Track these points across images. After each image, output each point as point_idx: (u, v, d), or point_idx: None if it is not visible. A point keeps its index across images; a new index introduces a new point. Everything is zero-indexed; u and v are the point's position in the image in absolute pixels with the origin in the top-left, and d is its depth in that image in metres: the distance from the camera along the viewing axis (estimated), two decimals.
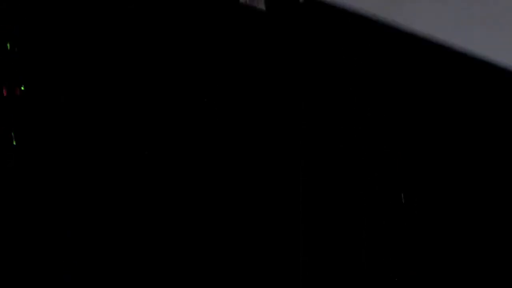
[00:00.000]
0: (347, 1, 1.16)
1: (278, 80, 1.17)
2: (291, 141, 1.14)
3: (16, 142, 1.05)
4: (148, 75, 1.13)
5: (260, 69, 1.17)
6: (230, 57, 1.16)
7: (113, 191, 1.07)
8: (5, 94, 1.07)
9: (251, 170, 1.13)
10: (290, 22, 1.16)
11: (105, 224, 1.06)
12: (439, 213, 1.16)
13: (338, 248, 1.12)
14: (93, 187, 1.06)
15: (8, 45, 1.09)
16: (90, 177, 1.06)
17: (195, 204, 1.10)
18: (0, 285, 1.00)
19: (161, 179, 1.08)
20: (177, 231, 1.08)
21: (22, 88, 1.08)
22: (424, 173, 1.17)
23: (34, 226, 1.03)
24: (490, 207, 1.18)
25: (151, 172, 1.08)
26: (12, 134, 1.06)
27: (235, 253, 1.09)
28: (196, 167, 1.11)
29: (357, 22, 1.15)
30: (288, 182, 1.13)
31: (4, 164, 1.04)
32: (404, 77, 1.17)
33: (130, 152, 1.09)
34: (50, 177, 1.05)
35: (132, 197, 1.08)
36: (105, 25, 1.11)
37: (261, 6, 1.16)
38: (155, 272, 1.06)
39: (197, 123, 1.13)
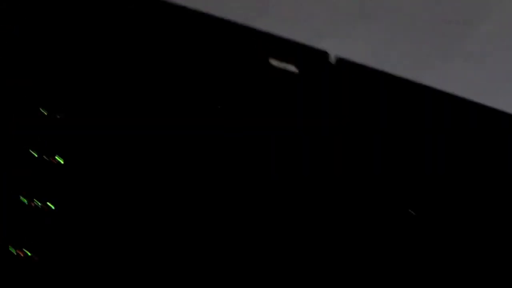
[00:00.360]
0: (377, 63, 1.18)
1: (310, 140, 1.16)
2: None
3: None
4: (181, 134, 1.13)
5: (291, 129, 1.16)
6: (262, 119, 1.16)
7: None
8: None
9: None
10: (321, 82, 1.17)
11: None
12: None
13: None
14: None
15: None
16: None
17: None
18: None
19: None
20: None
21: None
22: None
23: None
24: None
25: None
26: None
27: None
28: None
29: (388, 82, 1.16)
30: None
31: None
32: (436, 136, 1.17)
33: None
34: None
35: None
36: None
37: (293, 68, 1.17)
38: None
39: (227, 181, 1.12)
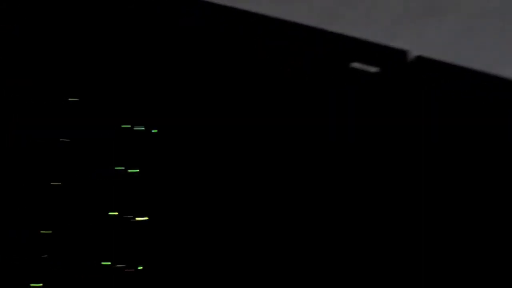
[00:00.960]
0: (451, 58, 1.21)
1: (391, 139, 1.19)
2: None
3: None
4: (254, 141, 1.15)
5: (372, 129, 1.19)
6: (347, 120, 1.19)
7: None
8: None
9: None
10: (400, 80, 1.20)
11: None
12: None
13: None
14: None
15: None
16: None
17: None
18: None
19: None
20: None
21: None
22: None
23: None
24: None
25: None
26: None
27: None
28: None
29: (466, 77, 1.19)
30: None
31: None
32: None
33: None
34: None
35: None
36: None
37: (373, 68, 1.20)
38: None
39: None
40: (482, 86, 1.19)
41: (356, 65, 1.20)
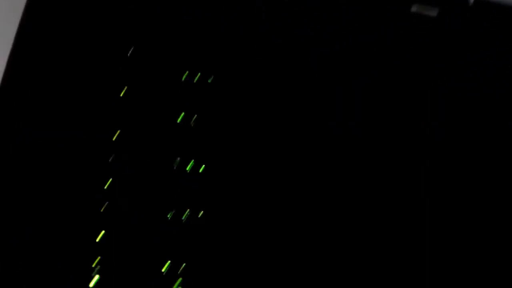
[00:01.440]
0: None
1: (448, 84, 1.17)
2: None
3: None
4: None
5: (430, 74, 1.19)
6: (400, 65, 1.19)
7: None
8: None
9: None
10: (459, 25, 1.18)
11: None
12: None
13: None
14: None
15: None
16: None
17: None
18: None
19: None
20: None
21: None
22: None
23: None
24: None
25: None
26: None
27: None
28: None
29: None
30: None
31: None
32: None
33: None
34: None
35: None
36: None
37: (433, 13, 1.20)
38: None
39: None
40: None
41: (415, 9, 1.21)
